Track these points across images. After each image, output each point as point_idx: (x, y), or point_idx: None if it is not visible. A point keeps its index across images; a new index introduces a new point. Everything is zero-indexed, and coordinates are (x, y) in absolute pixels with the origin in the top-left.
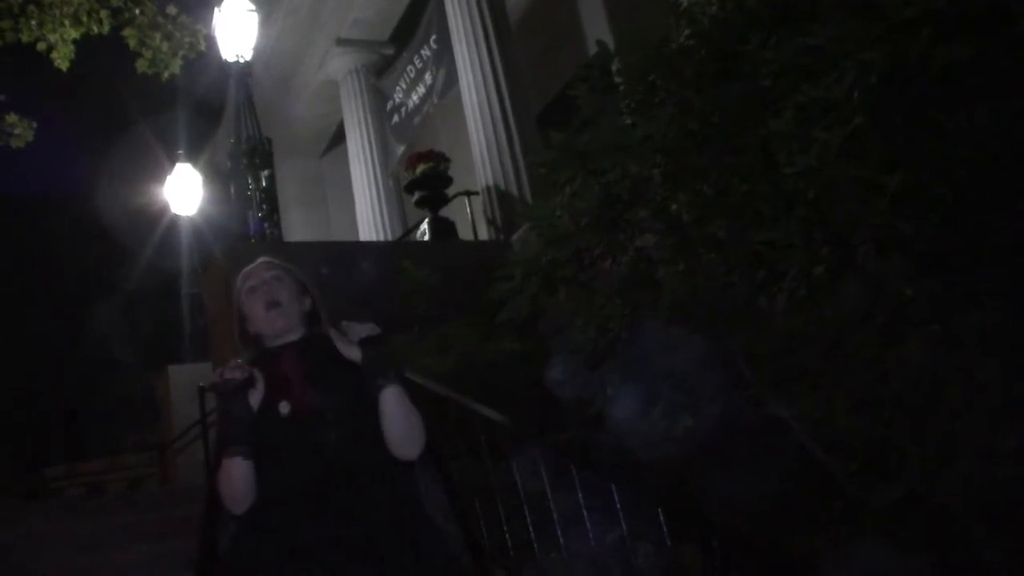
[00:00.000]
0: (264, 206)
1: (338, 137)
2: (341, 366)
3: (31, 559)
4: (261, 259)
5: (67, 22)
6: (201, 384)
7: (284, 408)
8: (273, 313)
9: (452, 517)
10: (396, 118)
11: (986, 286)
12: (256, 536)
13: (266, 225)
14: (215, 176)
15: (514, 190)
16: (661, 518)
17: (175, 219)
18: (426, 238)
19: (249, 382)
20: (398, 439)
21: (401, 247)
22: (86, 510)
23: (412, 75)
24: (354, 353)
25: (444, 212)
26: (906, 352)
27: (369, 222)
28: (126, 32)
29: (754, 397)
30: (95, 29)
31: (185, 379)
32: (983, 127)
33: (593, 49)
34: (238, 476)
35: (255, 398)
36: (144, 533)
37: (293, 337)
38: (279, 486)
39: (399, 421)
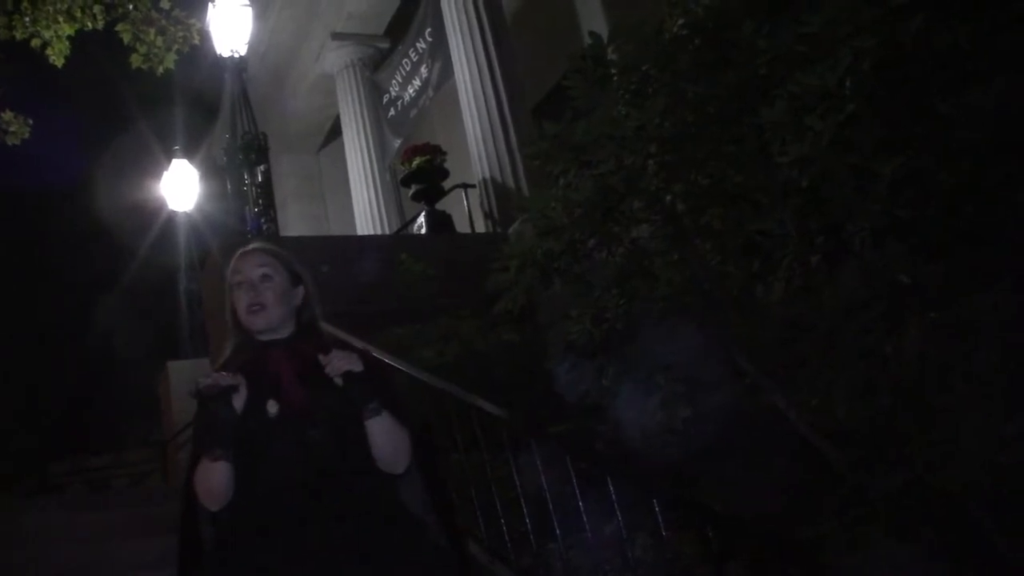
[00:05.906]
0: (260, 201)
1: (335, 131)
2: None
3: (40, 553)
4: (255, 245)
5: (61, 18)
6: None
7: (272, 408)
8: (254, 317)
9: (432, 508)
10: (392, 112)
11: (984, 274)
12: (243, 537)
13: (263, 220)
14: (212, 172)
15: (510, 182)
16: (656, 508)
17: (173, 215)
18: (423, 231)
19: (233, 388)
20: (383, 461)
21: (399, 241)
22: (92, 505)
23: (408, 68)
24: (339, 381)
25: (441, 205)
26: (905, 340)
27: (366, 216)
28: (120, 27)
29: (752, 387)
30: (89, 25)
31: (185, 375)
32: (982, 111)
33: (588, 40)
34: (218, 478)
35: (239, 401)
36: (148, 528)
37: (283, 334)
38: (267, 486)
39: (384, 447)
